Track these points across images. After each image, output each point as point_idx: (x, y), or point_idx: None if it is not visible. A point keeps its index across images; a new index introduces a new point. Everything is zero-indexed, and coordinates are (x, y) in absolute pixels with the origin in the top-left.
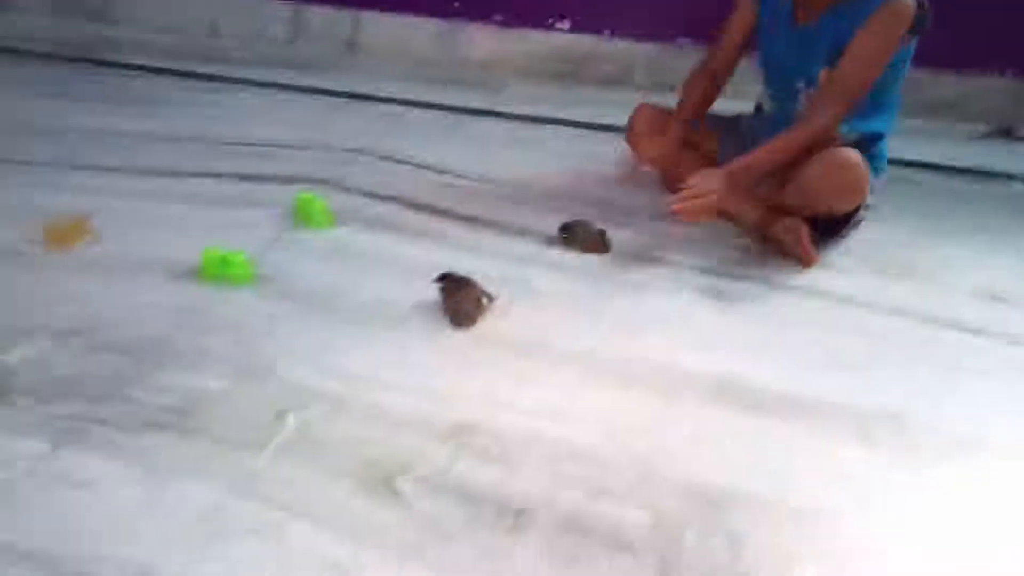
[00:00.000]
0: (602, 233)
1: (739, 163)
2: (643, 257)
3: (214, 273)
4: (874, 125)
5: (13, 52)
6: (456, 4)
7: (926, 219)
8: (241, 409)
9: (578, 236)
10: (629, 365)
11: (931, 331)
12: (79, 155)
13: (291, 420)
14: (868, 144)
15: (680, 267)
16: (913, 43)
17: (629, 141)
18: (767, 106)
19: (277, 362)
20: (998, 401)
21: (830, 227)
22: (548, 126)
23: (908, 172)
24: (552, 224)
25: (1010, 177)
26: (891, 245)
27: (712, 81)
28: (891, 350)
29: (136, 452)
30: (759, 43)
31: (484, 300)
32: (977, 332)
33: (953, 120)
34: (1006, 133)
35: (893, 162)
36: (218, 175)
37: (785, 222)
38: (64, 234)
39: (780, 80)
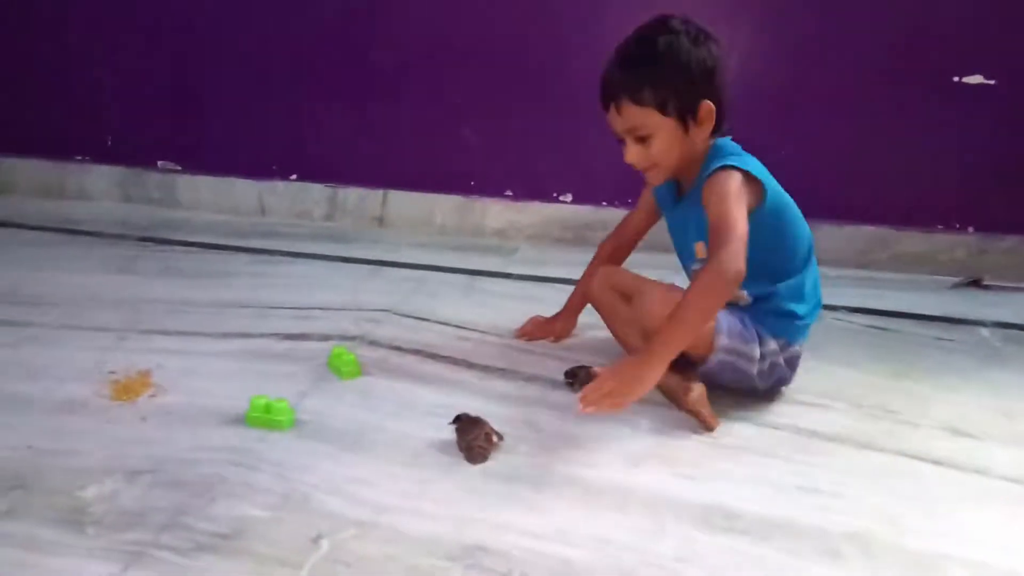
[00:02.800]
0: None
1: (655, 344)
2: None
3: (260, 418)
4: (762, 291)
5: (88, 234)
6: (472, 183)
7: (900, 363)
8: (281, 534)
9: (581, 379)
10: (623, 492)
11: (900, 462)
12: (143, 321)
13: (324, 543)
14: (771, 311)
15: (670, 407)
16: (779, 193)
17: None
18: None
19: (313, 493)
20: (962, 524)
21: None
22: (554, 284)
23: (883, 320)
24: (557, 370)
25: (978, 323)
26: (866, 386)
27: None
28: (861, 478)
29: (191, 572)
30: None
31: (495, 438)
32: (943, 463)
33: (923, 272)
34: (975, 283)
35: (871, 311)
36: (263, 335)
37: (693, 392)
38: (128, 387)
39: (680, 258)
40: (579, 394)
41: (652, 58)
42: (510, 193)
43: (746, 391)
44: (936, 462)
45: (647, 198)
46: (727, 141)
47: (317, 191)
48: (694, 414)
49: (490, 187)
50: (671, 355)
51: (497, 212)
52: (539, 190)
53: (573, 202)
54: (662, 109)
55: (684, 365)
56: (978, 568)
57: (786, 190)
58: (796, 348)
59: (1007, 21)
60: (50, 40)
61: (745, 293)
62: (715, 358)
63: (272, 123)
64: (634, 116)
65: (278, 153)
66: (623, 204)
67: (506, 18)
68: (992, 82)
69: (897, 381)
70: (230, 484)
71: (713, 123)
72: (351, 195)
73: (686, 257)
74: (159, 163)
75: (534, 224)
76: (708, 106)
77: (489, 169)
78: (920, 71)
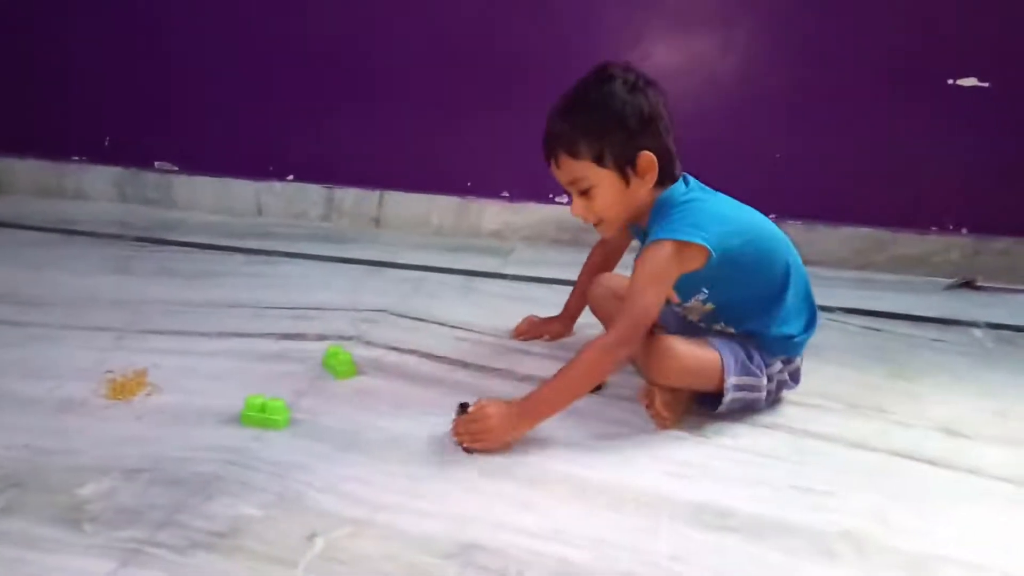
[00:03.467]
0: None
1: (530, 404)
2: (632, 398)
3: (255, 417)
4: (752, 327)
5: (84, 234)
6: (469, 184)
7: (894, 363)
8: (277, 532)
9: None
10: (618, 491)
11: (894, 461)
12: (140, 321)
13: (319, 541)
14: (765, 338)
15: None
16: (733, 255)
17: (590, 307)
18: None
19: (308, 492)
20: (955, 523)
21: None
22: (551, 285)
23: (878, 321)
24: (551, 369)
25: (971, 324)
26: (860, 386)
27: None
28: (855, 477)
29: (187, 569)
30: None
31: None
32: (937, 463)
33: (918, 273)
34: (968, 284)
35: (866, 312)
36: (260, 335)
37: (659, 397)
38: (124, 387)
39: None
40: (456, 420)
41: (586, 108)
42: (507, 194)
43: None
44: (930, 462)
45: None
46: (674, 190)
47: (314, 192)
48: (652, 410)
49: (487, 188)
50: (543, 418)
51: (494, 213)
52: (535, 191)
53: (568, 203)
54: (598, 161)
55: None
56: (971, 568)
57: (783, 192)
58: (797, 361)
59: (1000, 25)
60: (48, 41)
61: (706, 302)
62: (727, 398)
63: (269, 124)
64: (572, 169)
65: (275, 154)
66: None
67: (504, 19)
68: (986, 84)
69: (891, 381)
70: (226, 482)
71: (656, 172)
72: (348, 196)
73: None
74: (156, 163)
75: (530, 225)
76: (648, 157)
77: (486, 170)
78: (915, 74)
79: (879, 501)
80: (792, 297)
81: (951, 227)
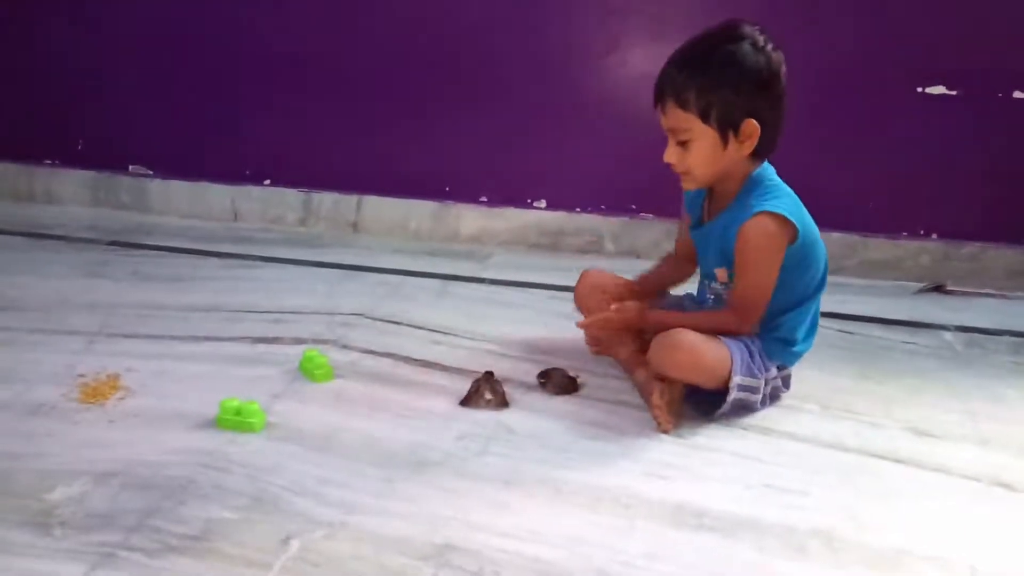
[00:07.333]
0: (574, 379)
1: (659, 315)
2: (609, 400)
3: (230, 420)
4: (771, 326)
5: (56, 238)
6: (447, 189)
7: (866, 365)
8: (251, 535)
9: (553, 381)
10: (594, 491)
11: (864, 461)
12: (113, 325)
13: (294, 544)
14: (770, 340)
15: (641, 408)
16: (805, 245)
17: (576, 303)
18: (700, 285)
19: (283, 495)
20: (923, 519)
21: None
22: (528, 290)
23: (850, 325)
24: (529, 372)
25: (941, 327)
26: (833, 388)
27: (672, 267)
28: (827, 477)
29: (160, 573)
30: None
31: (487, 395)
32: (906, 462)
33: (889, 278)
34: (938, 288)
35: (839, 316)
36: (235, 339)
37: (659, 388)
38: (96, 391)
39: (700, 268)
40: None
41: (706, 63)
42: (485, 199)
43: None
44: (899, 461)
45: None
46: (766, 169)
47: (291, 196)
48: (650, 408)
49: (465, 193)
50: (664, 326)
51: (472, 218)
52: (514, 196)
53: (548, 208)
54: (704, 117)
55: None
56: (938, 562)
57: None
58: (789, 369)
59: (967, 35)
60: (17, 43)
61: None
62: (731, 397)
63: (245, 128)
64: (676, 119)
65: (251, 158)
66: (597, 210)
67: (482, 23)
68: (953, 93)
69: (862, 383)
70: (200, 486)
71: (755, 143)
72: (325, 200)
73: (706, 272)
74: (130, 167)
75: (509, 230)
76: (753, 125)
77: (464, 175)
78: (885, 82)
79: (850, 499)
80: (807, 308)
81: (921, 232)
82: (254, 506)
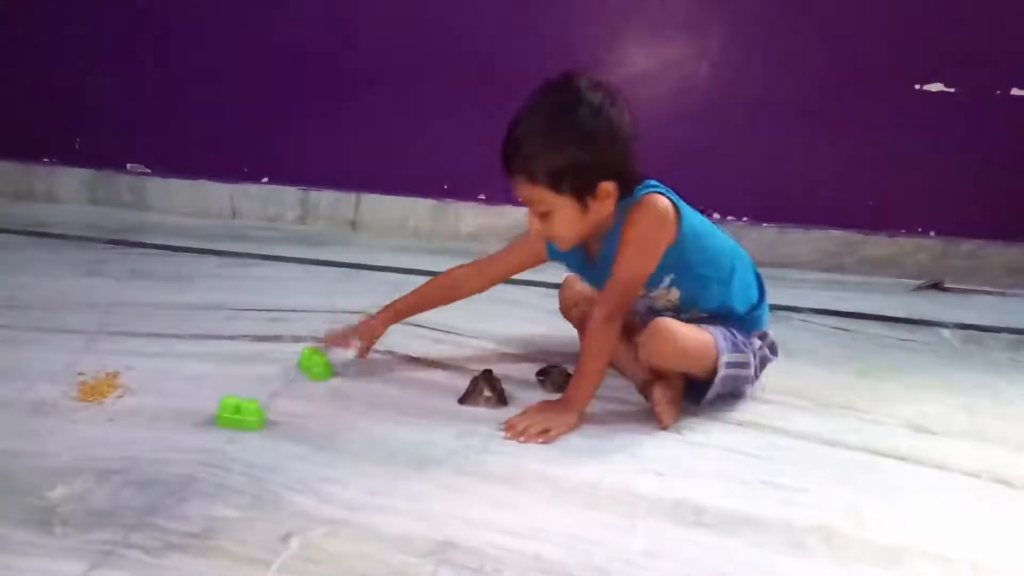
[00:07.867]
0: (572, 376)
1: (574, 392)
2: (607, 397)
3: (229, 419)
4: (720, 308)
5: (56, 237)
6: (446, 186)
7: (864, 362)
8: (251, 533)
9: (552, 378)
10: (593, 489)
11: (864, 457)
12: (113, 323)
13: (294, 542)
14: (731, 316)
15: (639, 405)
16: (693, 218)
17: (563, 314)
18: None
19: (283, 493)
20: (922, 515)
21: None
22: (526, 287)
23: (849, 322)
24: (529, 370)
25: (939, 324)
26: (832, 385)
27: (447, 284)
28: (825, 473)
29: (161, 571)
30: None
31: (487, 391)
32: (906, 458)
33: (888, 275)
34: (936, 286)
35: (837, 313)
36: (235, 337)
37: (659, 385)
38: (96, 389)
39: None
40: (506, 422)
41: (546, 137)
42: (483, 196)
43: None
44: (899, 457)
45: (534, 248)
46: (635, 191)
47: (289, 194)
48: (652, 405)
49: (464, 191)
50: (588, 399)
51: (471, 216)
52: (510, 193)
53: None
54: (556, 190)
55: (694, 387)
56: (939, 559)
57: (755, 194)
58: (771, 334)
59: (965, 32)
60: (16, 41)
61: (671, 288)
62: (719, 376)
63: (244, 126)
64: (529, 193)
65: (250, 156)
66: None
67: (480, 21)
68: (952, 90)
69: (862, 380)
70: (200, 484)
71: (615, 198)
72: (324, 198)
73: None
74: (128, 166)
75: (508, 227)
76: (606, 188)
77: (463, 173)
78: (883, 79)
79: (849, 496)
80: (741, 271)
81: (919, 230)
82: (254, 504)
